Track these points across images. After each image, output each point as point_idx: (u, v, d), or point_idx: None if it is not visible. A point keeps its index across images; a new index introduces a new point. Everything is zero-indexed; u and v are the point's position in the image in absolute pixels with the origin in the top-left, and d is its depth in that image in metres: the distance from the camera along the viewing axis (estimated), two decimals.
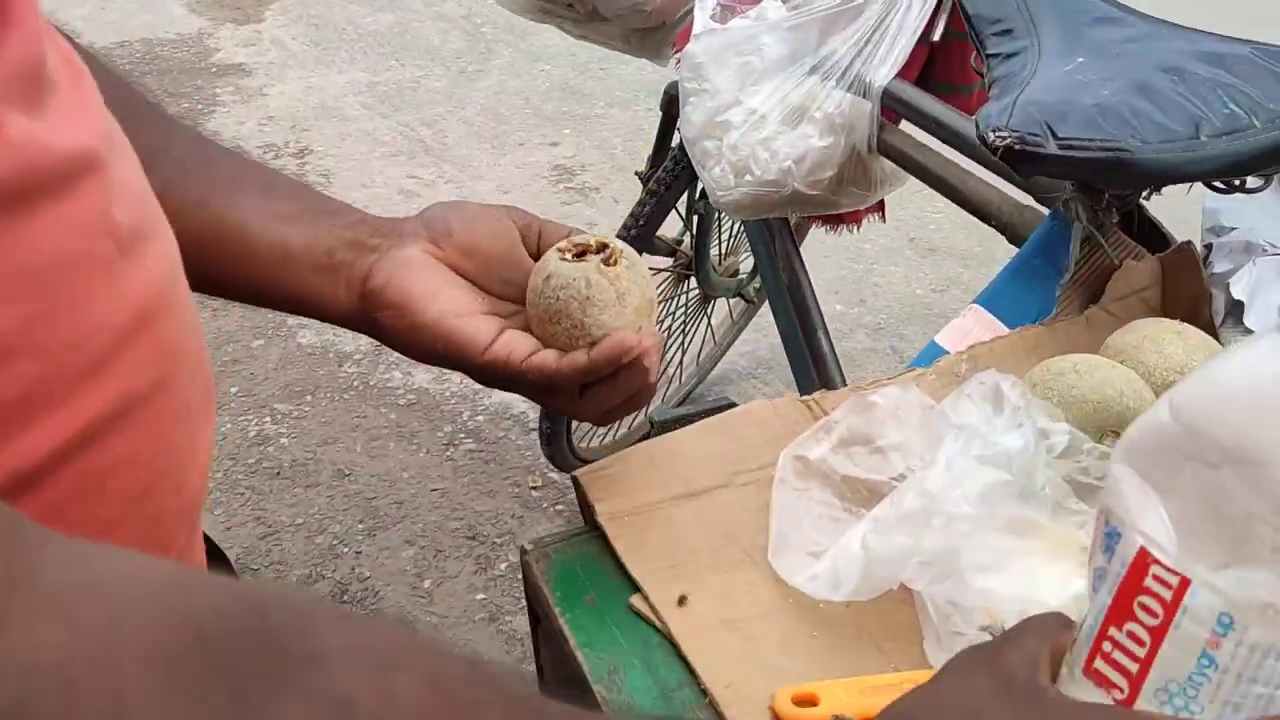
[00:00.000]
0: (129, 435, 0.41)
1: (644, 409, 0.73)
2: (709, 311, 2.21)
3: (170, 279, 0.46)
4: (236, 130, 3.40)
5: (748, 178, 1.32)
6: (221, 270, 0.60)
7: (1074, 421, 0.77)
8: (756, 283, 2.11)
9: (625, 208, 2.99)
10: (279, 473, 2.30)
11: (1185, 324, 0.85)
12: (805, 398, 0.87)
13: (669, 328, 2.12)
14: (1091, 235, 0.91)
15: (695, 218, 1.89)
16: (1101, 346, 0.87)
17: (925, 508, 0.65)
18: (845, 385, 1.47)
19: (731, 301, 2.26)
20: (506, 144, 3.44)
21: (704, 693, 0.66)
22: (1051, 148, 0.82)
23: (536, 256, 0.67)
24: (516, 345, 0.62)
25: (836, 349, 2.62)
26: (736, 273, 2.09)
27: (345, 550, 2.11)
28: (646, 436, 1.56)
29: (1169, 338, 0.83)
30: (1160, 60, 0.88)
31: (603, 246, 0.65)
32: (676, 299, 2.08)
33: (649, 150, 1.98)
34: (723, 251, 2.05)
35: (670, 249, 2.00)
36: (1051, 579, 0.68)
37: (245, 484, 2.26)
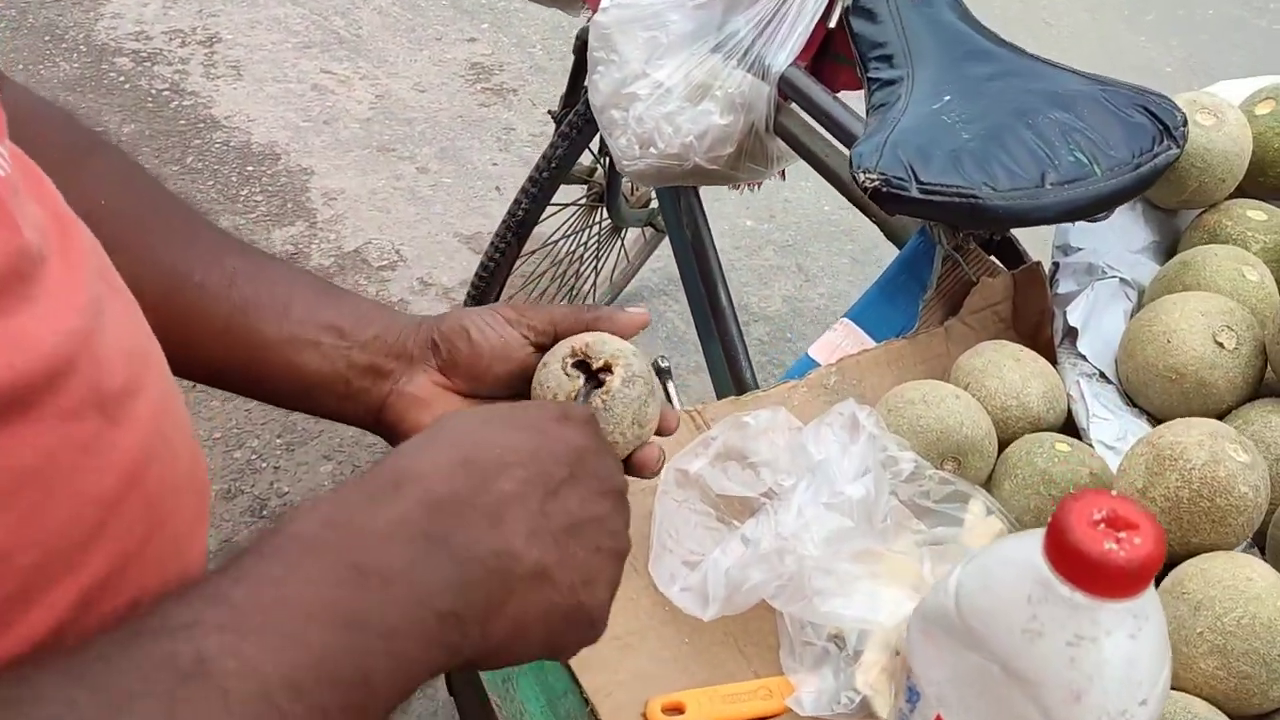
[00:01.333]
0: (125, 588, 0.42)
1: None
2: (622, 237, 2.28)
3: (159, 418, 0.46)
4: (140, 13, 3.31)
5: (652, 150, 1.38)
6: (241, 382, 0.64)
7: (919, 447, 0.88)
8: None
9: (542, 112, 3.01)
10: (194, 384, 2.34)
11: (1024, 349, 0.95)
12: (689, 408, 0.96)
13: (580, 256, 2.19)
14: (951, 255, 1.01)
15: (607, 157, 1.94)
16: (953, 366, 0.98)
17: (779, 548, 0.75)
18: (742, 340, 1.57)
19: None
20: (423, 38, 3.40)
21: (586, 701, 0.77)
22: (914, 191, 0.90)
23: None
24: None
25: (746, 265, 2.71)
26: (647, 203, 2.16)
27: (263, 465, 2.19)
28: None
29: (1008, 364, 0.93)
30: (1018, 104, 0.96)
31: (605, 368, 0.63)
32: (589, 229, 2.14)
33: (567, 50, 1.97)
34: (634, 185, 2.11)
35: (584, 179, 2.05)
36: (889, 600, 0.79)
37: None
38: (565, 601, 0.49)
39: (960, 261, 1.01)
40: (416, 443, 0.50)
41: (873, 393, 0.98)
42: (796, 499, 0.77)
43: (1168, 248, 1.07)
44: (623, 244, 2.34)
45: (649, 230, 2.37)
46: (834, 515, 0.76)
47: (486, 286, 1.87)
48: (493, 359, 0.64)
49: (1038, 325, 1.02)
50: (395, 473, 0.47)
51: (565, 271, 2.21)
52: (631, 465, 0.65)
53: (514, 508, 0.48)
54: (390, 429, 0.65)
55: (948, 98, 0.97)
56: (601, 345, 0.64)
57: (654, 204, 2.19)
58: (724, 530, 0.88)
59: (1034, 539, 0.53)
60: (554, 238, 2.04)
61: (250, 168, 2.85)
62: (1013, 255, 1.06)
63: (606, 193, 2.00)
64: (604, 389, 0.62)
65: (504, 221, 1.83)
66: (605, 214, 2.13)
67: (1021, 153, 0.92)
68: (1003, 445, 0.91)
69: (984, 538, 0.85)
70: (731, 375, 1.57)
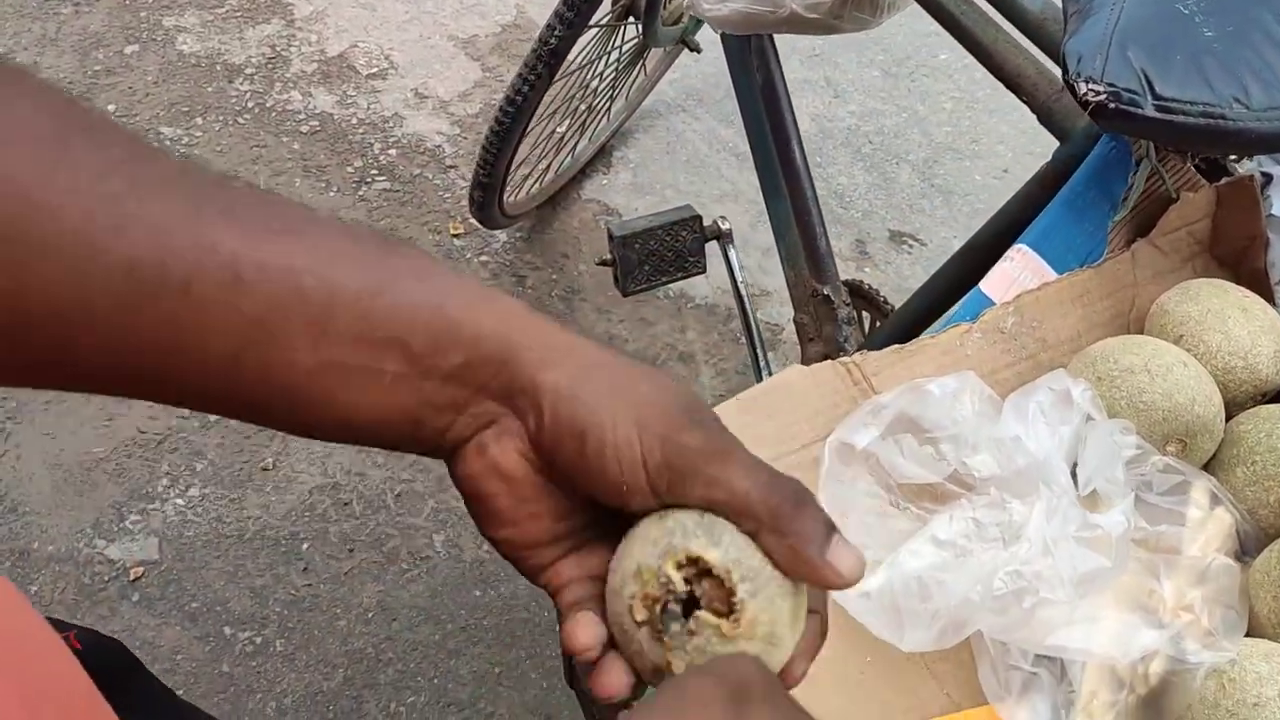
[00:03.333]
0: None
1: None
2: (644, 60, 2.04)
3: None
4: None
5: None
6: (260, 419, 0.42)
7: (1141, 428, 0.74)
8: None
9: None
10: None
11: (1249, 294, 0.80)
12: (844, 360, 0.81)
13: (596, 89, 1.97)
14: (1157, 168, 0.84)
15: None
16: (1154, 307, 0.83)
17: (1019, 590, 0.62)
18: (816, 201, 1.40)
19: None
20: None
21: None
22: (1149, 109, 0.73)
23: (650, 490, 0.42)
24: (560, 576, 0.46)
25: None
26: (679, 19, 1.92)
27: None
28: (606, 262, 1.48)
29: (1234, 315, 0.78)
30: None
31: (724, 594, 0.40)
32: (610, 53, 1.91)
33: None
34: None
35: None
36: (1116, 630, 0.67)
37: None
38: None
39: (1161, 173, 0.85)
40: None
41: (1055, 336, 0.83)
42: (1036, 525, 0.64)
43: None
44: (644, 63, 2.10)
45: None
46: (1089, 553, 0.63)
47: (512, 124, 1.66)
48: (597, 490, 0.43)
49: (1244, 252, 0.86)
50: None
51: (578, 107, 1.99)
52: None
53: None
54: (455, 477, 0.45)
55: None
56: (708, 535, 0.40)
57: (686, 19, 1.95)
58: (900, 517, 0.75)
59: None
60: (572, 67, 1.80)
61: None
62: (1214, 164, 0.89)
63: (646, 10, 1.76)
64: (737, 610, 0.40)
65: (533, 50, 1.60)
66: (627, 34, 1.89)
67: (1277, 58, 0.74)
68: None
69: (1215, 539, 0.72)
70: (803, 239, 1.41)
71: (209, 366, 0.39)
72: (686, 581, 0.40)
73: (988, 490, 0.71)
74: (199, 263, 0.38)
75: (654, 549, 0.41)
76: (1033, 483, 0.67)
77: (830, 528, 0.41)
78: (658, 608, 0.40)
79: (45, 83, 0.39)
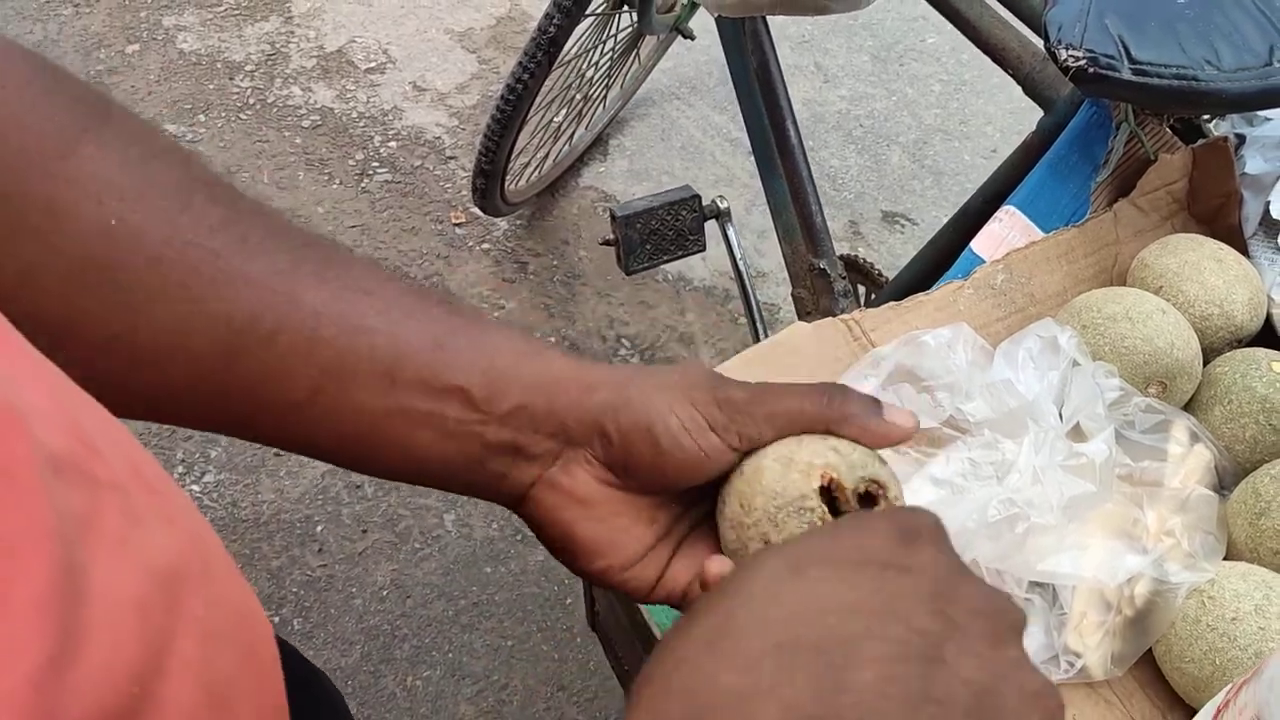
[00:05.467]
0: None
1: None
2: (638, 48, 2.09)
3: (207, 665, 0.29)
4: None
5: None
6: (332, 457, 0.47)
7: (1123, 371, 0.79)
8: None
9: None
10: None
11: (1224, 247, 0.85)
12: (844, 317, 0.85)
13: (591, 79, 2.01)
14: (1136, 132, 0.89)
15: None
16: (1135, 261, 0.87)
17: (1011, 516, 0.67)
18: (811, 180, 1.44)
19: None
20: None
21: None
22: (1125, 72, 0.78)
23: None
24: (678, 580, 0.49)
25: None
26: (673, 7, 1.96)
27: None
28: (609, 242, 1.52)
29: (1209, 266, 0.83)
30: None
31: (868, 496, 0.45)
32: (605, 42, 1.95)
33: None
34: None
35: None
36: (1102, 555, 0.72)
37: None
38: None
39: (1140, 136, 0.89)
40: (711, 630, 0.36)
41: (1042, 291, 0.88)
42: (1025, 457, 0.68)
43: None
44: (638, 51, 2.15)
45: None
46: (1075, 479, 0.67)
47: (513, 111, 1.70)
48: (682, 473, 0.46)
49: (1219, 209, 0.91)
50: (699, 697, 0.34)
51: (575, 96, 2.03)
52: None
53: (892, 707, 0.33)
54: (535, 523, 0.49)
55: None
56: (851, 466, 0.45)
57: (680, 6, 1.99)
58: (900, 461, 0.80)
59: None
60: (569, 56, 1.85)
61: None
62: (1191, 126, 0.94)
63: None
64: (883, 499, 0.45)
65: (532, 39, 1.65)
66: (622, 23, 1.94)
67: (1245, 22, 0.79)
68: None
69: (1194, 474, 0.77)
70: (799, 216, 1.45)
71: (287, 410, 0.44)
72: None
73: (981, 433, 0.76)
74: (287, 317, 0.43)
75: (783, 472, 0.45)
76: (1023, 423, 0.72)
77: (875, 401, 0.47)
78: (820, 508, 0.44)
79: (171, 141, 0.45)
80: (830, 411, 0.46)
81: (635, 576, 0.48)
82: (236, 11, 2.51)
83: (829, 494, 0.44)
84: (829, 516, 0.44)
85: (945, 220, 1.19)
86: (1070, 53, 0.77)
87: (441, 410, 0.45)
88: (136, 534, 0.26)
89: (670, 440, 0.45)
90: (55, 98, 0.41)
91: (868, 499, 0.45)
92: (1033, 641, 0.72)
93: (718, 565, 0.45)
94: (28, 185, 0.39)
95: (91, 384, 0.31)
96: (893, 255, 2.23)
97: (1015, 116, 2.48)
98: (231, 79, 2.38)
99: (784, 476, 0.44)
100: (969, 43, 1.14)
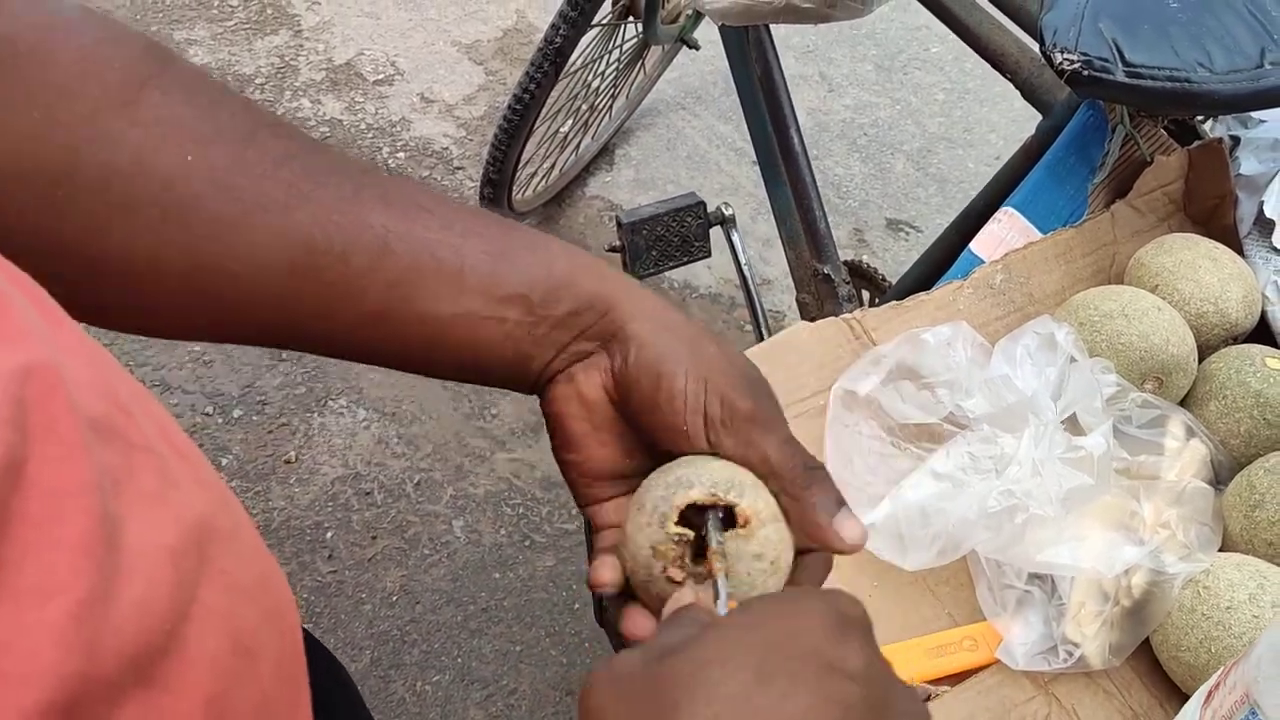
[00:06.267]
0: None
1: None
2: (643, 59, 2.11)
3: (233, 618, 0.31)
4: None
5: None
6: (398, 362, 0.51)
7: (1120, 367, 0.80)
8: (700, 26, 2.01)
9: None
10: None
11: (1219, 246, 0.87)
12: (846, 316, 0.87)
13: (598, 89, 2.03)
14: (1131, 134, 0.90)
15: None
16: (1132, 260, 0.89)
17: (1011, 507, 0.68)
18: (815, 187, 1.46)
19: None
20: None
21: None
22: (1119, 75, 0.79)
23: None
24: (608, 517, 0.53)
25: None
26: (678, 17, 1.98)
27: None
28: (616, 249, 1.54)
29: (1204, 264, 0.85)
30: None
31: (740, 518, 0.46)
32: (611, 52, 1.97)
33: None
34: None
35: None
36: (1100, 547, 0.73)
37: None
38: None
39: (1136, 138, 0.91)
40: None
41: (1040, 290, 0.90)
42: (1025, 450, 0.70)
43: None
44: (643, 62, 2.17)
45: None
46: (1073, 472, 0.69)
47: (521, 120, 1.73)
48: (658, 430, 0.49)
49: (1214, 209, 0.92)
50: None
51: (580, 106, 2.05)
52: None
53: None
54: (543, 405, 0.53)
55: None
56: (728, 487, 0.46)
57: (684, 17, 2.01)
58: (902, 457, 0.81)
59: None
60: (574, 66, 1.87)
61: None
62: (1186, 129, 0.95)
63: (646, 9, 1.83)
64: (747, 540, 0.45)
65: (539, 49, 1.67)
66: (627, 34, 1.96)
67: (1237, 25, 0.81)
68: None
69: (1190, 466, 0.78)
70: (804, 222, 1.47)
71: (358, 322, 0.48)
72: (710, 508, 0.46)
73: (981, 428, 0.77)
74: (357, 237, 0.47)
75: (692, 482, 0.46)
76: (1021, 417, 0.73)
77: (840, 502, 0.48)
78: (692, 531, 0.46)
79: (230, 85, 0.49)
80: (792, 485, 0.47)
81: (588, 485, 0.52)
82: (247, 25, 2.54)
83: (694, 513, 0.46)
84: (687, 561, 0.46)
85: None
86: (1065, 56, 0.79)
87: (503, 314, 0.49)
88: (172, 492, 0.28)
89: (667, 398, 0.48)
90: (120, 48, 0.45)
91: (729, 515, 0.46)
92: (1032, 632, 0.74)
93: (633, 625, 0.48)
94: (102, 126, 0.43)
95: (165, 312, 0.37)
96: (897, 263, 2.24)
97: (1018, 124, 2.50)
98: (242, 91, 2.40)
99: (643, 530, 0.47)
100: (972, 51, 1.16)
